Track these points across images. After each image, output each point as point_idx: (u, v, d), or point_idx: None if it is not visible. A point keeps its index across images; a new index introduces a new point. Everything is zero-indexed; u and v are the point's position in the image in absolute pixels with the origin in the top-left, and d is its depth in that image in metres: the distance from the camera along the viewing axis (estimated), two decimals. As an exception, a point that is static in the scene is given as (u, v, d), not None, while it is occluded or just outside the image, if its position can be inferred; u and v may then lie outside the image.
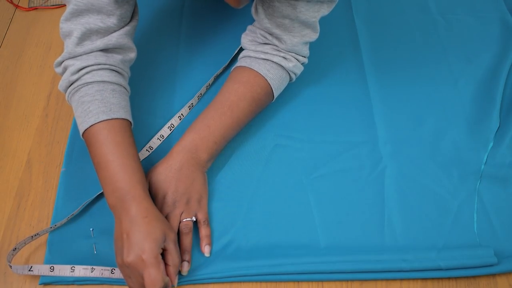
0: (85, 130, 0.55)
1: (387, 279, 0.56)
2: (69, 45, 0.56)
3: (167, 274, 0.50)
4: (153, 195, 0.57)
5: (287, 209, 0.61)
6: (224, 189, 0.62)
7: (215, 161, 0.64)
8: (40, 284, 0.55)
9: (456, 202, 0.62)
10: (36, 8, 0.84)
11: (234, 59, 0.74)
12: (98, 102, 0.55)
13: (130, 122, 0.58)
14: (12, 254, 0.55)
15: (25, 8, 0.84)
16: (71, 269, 0.55)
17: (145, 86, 0.72)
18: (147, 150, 0.65)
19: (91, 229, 0.58)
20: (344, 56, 0.77)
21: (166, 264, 0.51)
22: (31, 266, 0.54)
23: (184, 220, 0.56)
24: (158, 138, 0.66)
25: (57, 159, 0.65)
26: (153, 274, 0.48)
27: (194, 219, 0.57)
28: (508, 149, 0.66)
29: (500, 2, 0.86)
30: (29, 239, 0.56)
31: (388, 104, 0.71)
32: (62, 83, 0.57)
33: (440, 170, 0.65)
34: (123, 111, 0.57)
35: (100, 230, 0.58)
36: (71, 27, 0.56)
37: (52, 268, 0.55)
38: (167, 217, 0.56)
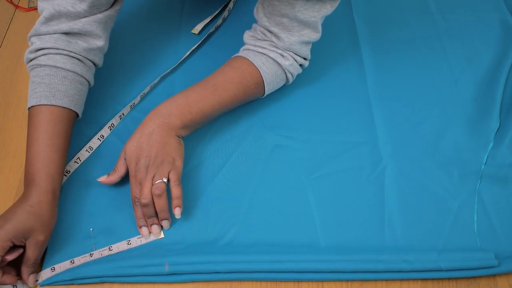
0: (28, 109, 0.57)
1: (387, 279, 0.56)
2: (37, 23, 0.58)
3: (21, 271, 0.52)
4: (128, 163, 0.58)
5: (287, 209, 0.61)
6: (224, 189, 0.62)
7: (215, 160, 0.64)
8: (40, 285, 0.55)
9: (456, 203, 0.62)
10: (36, 8, 0.84)
11: (189, 60, 0.75)
12: (45, 86, 0.56)
13: (75, 112, 0.58)
14: None
15: (25, 8, 0.84)
16: (71, 262, 0.55)
17: (143, 86, 0.71)
18: (86, 150, 0.64)
19: (91, 229, 0.58)
20: (344, 56, 0.77)
21: (22, 263, 0.52)
22: (36, 276, 0.54)
23: (156, 182, 0.56)
24: (98, 138, 0.65)
25: (57, 159, 0.65)
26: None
27: (166, 180, 0.56)
28: (508, 149, 0.67)
29: (500, 2, 0.86)
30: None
31: (388, 104, 0.71)
32: (24, 58, 0.59)
33: (440, 170, 0.65)
34: (67, 100, 0.57)
35: (100, 230, 0.58)
36: (43, 6, 0.57)
37: (53, 268, 0.55)
38: (141, 183, 0.56)
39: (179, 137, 0.60)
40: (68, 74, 0.58)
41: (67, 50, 0.58)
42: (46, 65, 0.57)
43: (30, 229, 0.51)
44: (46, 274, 0.55)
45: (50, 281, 0.54)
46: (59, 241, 0.57)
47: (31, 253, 0.52)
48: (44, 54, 0.57)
